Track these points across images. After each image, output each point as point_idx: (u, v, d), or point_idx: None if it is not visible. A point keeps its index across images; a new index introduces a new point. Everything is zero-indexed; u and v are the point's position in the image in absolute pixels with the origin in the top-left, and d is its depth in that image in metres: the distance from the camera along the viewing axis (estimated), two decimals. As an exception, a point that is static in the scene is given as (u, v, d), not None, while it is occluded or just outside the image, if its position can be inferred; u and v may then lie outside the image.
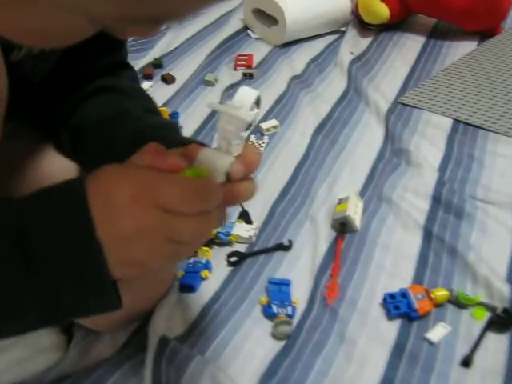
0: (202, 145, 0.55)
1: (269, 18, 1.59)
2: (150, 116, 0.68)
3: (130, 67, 0.77)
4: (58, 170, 0.71)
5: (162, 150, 0.50)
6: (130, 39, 1.55)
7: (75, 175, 0.70)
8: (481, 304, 0.81)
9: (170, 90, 1.37)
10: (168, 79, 1.40)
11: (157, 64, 1.46)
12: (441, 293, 0.81)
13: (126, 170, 0.46)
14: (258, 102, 0.51)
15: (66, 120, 0.69)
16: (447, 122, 1.22)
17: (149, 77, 1.41)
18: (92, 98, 0.69)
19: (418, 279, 0.85)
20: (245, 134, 0.51)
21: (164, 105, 1.31)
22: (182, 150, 0.52)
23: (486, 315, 0.80)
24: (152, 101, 0.75)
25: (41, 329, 0.49)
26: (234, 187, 0.51)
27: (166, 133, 0.64)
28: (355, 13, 1.65)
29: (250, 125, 0.51)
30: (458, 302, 0.81)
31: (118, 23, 0.36)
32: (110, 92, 0.70)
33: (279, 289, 0.84)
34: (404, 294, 0.81)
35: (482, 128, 1.20)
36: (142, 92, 0.76)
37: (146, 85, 1.37)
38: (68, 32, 0.37)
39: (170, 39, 1.58)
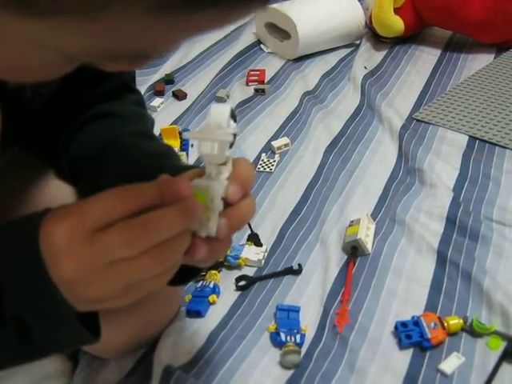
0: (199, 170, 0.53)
1: (281, 32, 1.58)
2: (144, 143, 0.67)
3: (134, 90, 0.75)
4: (59, 197, 0.70)
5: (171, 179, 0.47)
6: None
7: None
8: (496, 333, 0.78)
9: (182, 106, 1.36)
10: (179, 95, 1.39)
11: (168, 80, 1.45)
12: (454, 321, 0.78)
13: (67, 212, 0.44)
14: (233, 115, 0.49)
15: (65, 147, 0.68)
16: (463, 139, 1.20)
17: (160, 93, 1.40)
18: (89, 125, 0.68)
19: (431, 306, 0.83)
20: (229, 152, 0.48)
21: (175, 121, 1.30)
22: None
23: (501, 345, 0.77)
24: (150, 125, 0.74)
25: (28, 363, 0.50)
26: (235, 211, 0.49)
27: (160, 161, 0.63)
28: (369, 26, 1.63)
29: (233, 141, 0.49)
30: (473, 331, 0.78)
31: (94, 59, 0.34)
32: (107, 118, 0.69)
33: (288, 315, 0.82)
34: (416, 323, 0.79)
35: (499, 145, 1.17)
36: (142, 116, 0.74)
37: (156, 101, 1.36)
38: (45, 68, 0.36)
39: (181, 54, 1.57)
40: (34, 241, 0.43)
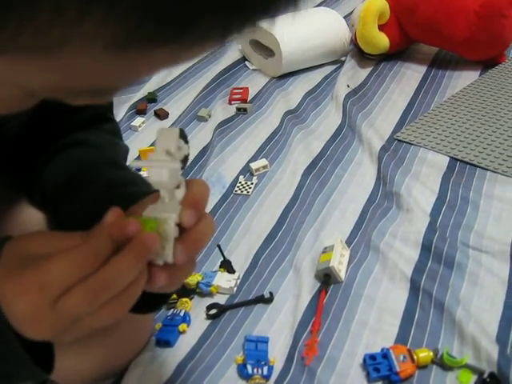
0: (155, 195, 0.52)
1: (266, 50, 1.57)
2: (110, 171, 0.66)
3: (110, 120, 0.75)
4: (30, 224, 0.70)
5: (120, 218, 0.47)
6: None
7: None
8: (467, 366, 0.77)
9: (163, 125, 1.35)
10: (161, 114, 1.38)
11: (150, 99, 1.44)
12: (424, 354, 0.77)
13: (26, 283, 0.44)
14: (183, 136, 0.48)
15: (37, 176, 0.68)
16: (443, 160, 1.19)
17: (142, 112, 1.39)
18: (61, 153, 0.68)
19: (402, 337, 0.82)
20: (180, 174, 0.47)
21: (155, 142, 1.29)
22: (129, 210, 0.51)
23: (472, 378, 0.76)
24: (123, 153, 0.74)
25: None
26: (191, 235, 0.49)
27: (121, 190, 0.62)
28: (355, 42, 1.62)
29: (185, 165, 0.48)
30: (443, 364, 0.77)
31: (54, 95, 0.34)
32: (79, 146, 0.69)
33: (256, 346, 0.81)
34: (385, 355, 0.78)
35: (480, 167, 1.16)
36: (114, 144, 0.74)
37: (138, 121, 1.35)
38: (4, 102, 0.36)
39: (165, 72, 1.56)
40: None
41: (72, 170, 0.66)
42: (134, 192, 0.60)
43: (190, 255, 0.48)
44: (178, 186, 0.48)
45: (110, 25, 0.25)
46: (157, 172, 0.46)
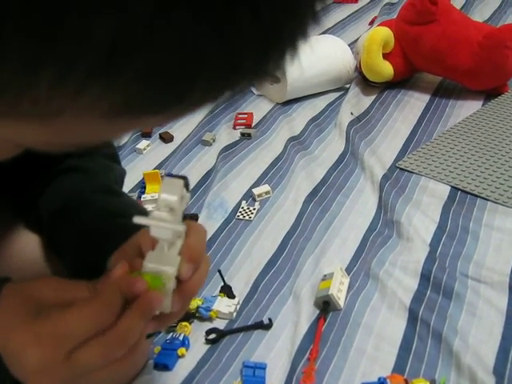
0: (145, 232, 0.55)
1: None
2: (102, 199, 0.67)
3: (108, 145, 0.76)
4: (28, 248, 0.71)
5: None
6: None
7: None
8: (463, 397, 0.77)
9: (168, 149, 1.37)
10: (166, 138, 1.40)
11: (156, 122, 1.46)
12: (421, 384, 0.78)
13: (40, 334, 0.45)
14: (186, 185, 0.49)
15: (33, 201, 0.69)
16: (444, 190, 1.20)
17: (147, 135, 1.41)
18: (57, 179, 0.69)
19: (399, 366, 0.82)
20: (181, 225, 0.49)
21: (160, 164, 1.31)
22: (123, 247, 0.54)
23: (468, 410, 0.76)
24: (119, 177, 0.75)
25: None
26: (187, 286, 0.51)
27: (112, 221, 0.64)
28: (359, 70, 1.64)
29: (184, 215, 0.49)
30: (440, 395, 0.77)
31: (46, 149, 0.35)
32: (75, 172, 0.70)
33: (254, 373, 0.81)
34: (382, 385, 0.78)
35: (480, 197, 1.17)
36: (109, 169, 0.75)
37: (143, 144, 1.37)
38: None
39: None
40: None
41: (66, 198, 0.67)
42: (126, 225, 0.61)
43: (183, 304, 0.51)
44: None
45: (106, 100, 0.26)
46: (159, 231, 0.48)
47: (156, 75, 0.25)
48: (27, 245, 0.71)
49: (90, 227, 0.63)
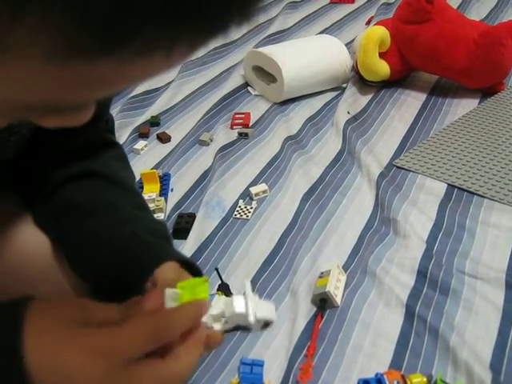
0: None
1: (268, 76, 1.60)
2: (139, 216, 0.67)
3: (114, 144, 0.75)
4: (33, 244, 0.70)
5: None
6: (129, 96, 1.56)
7: (49, 250, 0.70)
8: (460, 392, 0.77)
9: (165, 149, 1.37)
10: (163, 138, 1.40)
11: (154, 122, 1.46)
12: (418, 379, 0.78)
13: (98, 346, 0.45)
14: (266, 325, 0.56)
15: (45, 198, 0.68)
16: (441, 187, 1.20)
17: (144, 135, 1.42)
18: (77, 183, 0.68)
19: (396, 362, 0.82)
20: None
21: (157, 165, 1.31)
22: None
23: (465, 405, 0.76)
24: (139, 193, 0.74)
25: None
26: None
27: (160, 242, 0.64)
28: (356, 70, 1.65)
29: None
30: (436, 390, 0.78)
31: (13, 112, 0.35)
32: (93, 178, 0.69)
33: (251, 370, 0.82)
34: (379, 381, 0.78)
35: (477, 194, 1.17)
36: (130, 181, 0.74)
37: (140, 144, 1.37)
38: None
39: (169, 96, 1.59)
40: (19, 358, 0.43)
41: (94, 203, 0.66)
42: (162, 247, 0.63)
43: None
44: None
45: (47, 32, 0.25)
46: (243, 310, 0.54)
47: (93, 8, 0.24)
48: (33, 239, 0.71)
49: (133, 243, 0.63)
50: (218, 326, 0.55)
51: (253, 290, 0.56)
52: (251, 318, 0.53)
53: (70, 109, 0.35)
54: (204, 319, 0.52)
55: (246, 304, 0.54)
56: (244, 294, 0.55)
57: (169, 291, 0.52)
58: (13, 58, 0.27)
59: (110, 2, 0.24)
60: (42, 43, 0.26)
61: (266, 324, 0.56)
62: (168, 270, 0.58)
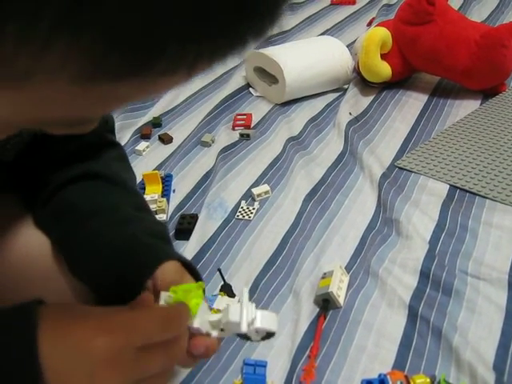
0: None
1: (270, 77, 1.60)
2: (140, 217, 0.67)
3: (115, 144, 0.75)
4: (34, 246, 0.70)
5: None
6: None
7: (49, 251, 0.70)
8: (463, 393, 0.77)
9: (167, 150, 1.37)
10: (165, 139, 1.40)
11: (156, 123, 1.46)
12: (421, 380, 0.78)
13: (111, 325, 0.47)
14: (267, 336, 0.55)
15: (46, 200, 0.68)
16: (443, 188, 1.20)
17: (146, 136, 1.42)
18: (78, 184, 0.68)
19: (399, 363, 0.82)
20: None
21: (159, 165, 1.31)
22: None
23: (468, 405, 0.76)
24: (140, 194, 0.74)
25: None
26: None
27: (161, 244, 0.64)
28: (357, 71, 1.65)
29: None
30: (440, 391, 0.78)
31: (29, 126, 0.35)
32: (95, 179, 0.69)
33: (254, 370, 0.81)
34: (382, 381, 0.78)
35: (479, 195, 1.17)
36: (130, 182, 0.74)
37: (142, 145, 1.37)
38: None
39: (171, 97, 1.59)
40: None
41: (96, 204, 0.66)
42: (163, 249, 0.63)
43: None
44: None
45: (75, 57, 0.26)
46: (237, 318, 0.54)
47: (121, 34, 0.25)
48: (34, 241, 0.71)
49: (134, 244, 0.63)
50: (215, 333, 0.55)
51: (254, 295, 0.57)
52: (244, 328, 0.53)
53: (83, 123, 0.36)
54: (201, 325, 0.53)
55: (240, 312, 0.54)
56: (238, 302, 0.55)
57: (164, 294, 0.54)
58: (39, 81, 0.27)
59: (136, 26, 0.25)
60: (69, 68, 0.26)
61: (269, 335, 0.56)
62: (168, 270, 0.59)
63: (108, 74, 0.27)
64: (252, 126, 1.46)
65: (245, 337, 0.59)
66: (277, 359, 0.84)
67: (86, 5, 0.24)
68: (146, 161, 1.33)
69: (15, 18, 0.24)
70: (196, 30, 0.26)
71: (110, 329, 0.46)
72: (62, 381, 0.44)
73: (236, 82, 1.69)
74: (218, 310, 0.90)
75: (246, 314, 0.53)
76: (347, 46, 1.68)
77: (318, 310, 0.91)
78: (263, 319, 0.54)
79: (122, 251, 0.61)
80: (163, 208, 1.12)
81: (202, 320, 0.53)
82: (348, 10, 2.35)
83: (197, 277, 0.61)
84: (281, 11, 0.28)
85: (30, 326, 0.44)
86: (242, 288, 0.95)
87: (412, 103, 1.58)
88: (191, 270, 0.61)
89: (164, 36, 0.26)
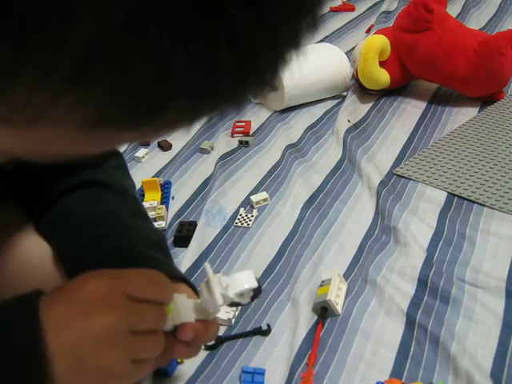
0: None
1: (269, 84, 1.60)
2: (139, 226, 0.68)
3: (115, 152, 0.76)
4: (35, 253, 0.70)
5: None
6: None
7: (50, 258, 0.70)
8: (461, 401, 0.77)
9: (166, 157, 1.38)
10: (164, 146, 1.40)
11: (155, 130, 1.47)
12: (418, 388, 0.78)
13: (103, 273, 0.50)
14: (254, 294, 0.54)
15: (46, 207, 0.68)
16: (441, 196, 1.20)
17: (145, 143, 1.42)
18: (79, 192, 0.68)
19: (397, 370, 0.83)
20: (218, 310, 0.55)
21: (159, 172, 1.31)
22: None
23: (466, 414, 0.76)
24: (139, 202, 0.75)
25: None
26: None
27: (157, 254, 0.65)
28: (356, 78, 1.66)
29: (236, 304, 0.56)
30: (437, 399, 0.78)
31: (31, 158, 0.36)
32: (95, 187, 0.69)
33: (253, 378, 0.82)
34: (380, 389, 0.78)
35: (477, 202, 1.18)
36: (130, 190, 0.75)
37: (141, 152, 1.38)
38: None
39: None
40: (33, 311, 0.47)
41: (95, 212, 0.67)
42: (167, 265, 0.65)
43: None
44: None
45: (81, 110, 0.27)
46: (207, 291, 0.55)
47: (127, 90, 0.26)
48: (34, 248, 0.71)
49: (130, 253, 0.63)
50: (193, 317, 0.55)
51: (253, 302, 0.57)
52: (219, 301, 0.52)
53: (84, 157, 0.37)
54: (183, 318, 0.54)
55: (208, 289, 0.53)
56: (206, 280, 0.54)
57: None
58: (45, 125, 0.28)
59: (144, 86, 0.26)
60: (75, 118, 0.27)
61: (256, 292, 0.55)
62: None
63: (112, 125, 0.28)
64: (251, 133, 1.47)
65: (236, 304, 0.59)
66: (275, 367, 0.84)
67: (99, 61, 0.24)
68: (145, 168, 1.34)
69: (31, 66, 0.24)
70: (200, 92, 0.27)
71: (101, 274, 0.50)
72: (59, 324, 0.47)
73: (235, 88, 1.69)
74: (217, 318, 0.91)
75: (215, 287, 0.53)
76: (346, 53, 1.69)
77: (316, 317, 0.91)
78: (236, 283, 0.54)
79: (122, 262, 0.62)
80: (162, 215, 1.13)
81: (182, 313, 0.54)
82: (347, 16, 2.37)
83: (193, 290, 0.62)
84: (280, 72, 0.29)
85: (32, 297, 0.48)
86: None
87: (410, 110, 1.59)
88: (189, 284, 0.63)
89: (169, 96, 0.27)
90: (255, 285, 0.54)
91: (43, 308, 0.47)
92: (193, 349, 0.58)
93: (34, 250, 0.70)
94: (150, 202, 1.16)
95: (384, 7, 2.37)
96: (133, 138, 0.32)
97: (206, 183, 1.26)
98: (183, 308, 0.54)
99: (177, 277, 0.62)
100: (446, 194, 1.21)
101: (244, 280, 0.54)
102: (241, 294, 0.53)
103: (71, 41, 0.23)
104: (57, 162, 0.37)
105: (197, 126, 1.49)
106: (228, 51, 0.25)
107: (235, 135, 1.46)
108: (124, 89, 0.26)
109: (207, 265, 0.56)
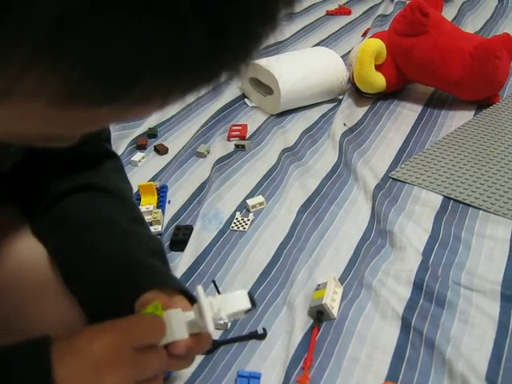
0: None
1: (265, 87, 1.61)
2: (137, 231, 0.68)
3: (113, 155, 0.76)
4: (30, 255, 0.70)
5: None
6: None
7: (45, 259, 0.70)
8: (456, 405, 0.78)
9: (162, 161, 1.38)
10: (161, 150, 1.41)
11: (151, 134, 1.47)
12: (414, 392, 0.78)
13: (106, 327, 0.52)
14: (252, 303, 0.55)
15: (44, 211, 0.68)
16: (437, 199, 1.21)
17: (142, 147, 1.42)
18: (76, 196, 0.68)
19: (392, 374, 0.83)
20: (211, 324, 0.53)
21: (155, 176, 1.31)
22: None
23: (461, 417, 0.77)
24: (136, 207, 0.75)
25: None
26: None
27: (155, 261, 0.65)
28: (352, 82, 1.66)
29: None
30: (433, 402, 0.78)
31: (10, 140, 0.36)
32: (93, 192, 0.69)
33: (248, 382, 0.82)
34: (375, 393, 0.78)
35: (472, 206, 1.18)
36: (127, 193, 0.75)
37: (138, 156, 1.38)
38: None
39: (167, 108, 1.59)
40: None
41: (93, 216, 0.67)
42: (164, 274, 0.65)
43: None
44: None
45: (53, 81, 0.26)
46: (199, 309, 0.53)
47: (98, 60, 0.25)
48: (31, 250, 0.71)
49: (128, 259, 0.64)
50: (186, 335, 0.55)
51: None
52: (210, 328, 0.51)
53: (61, 140, 0.36)
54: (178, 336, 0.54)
55: (200, 313, 0.53)
56: (198, 303, 0.53)
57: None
58: (16, 100, 0.28)
59: (114, 55, 0.25)
60: (46, 91, 0.27)
61: (249, 309, 0.55)
62: (156, 296, 0.60)
63: (83, 98, 0.28)
64: (247, 136, 1.47)
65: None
66: (271, 371, 0.84)
67: (67, 31, 0.24)
68: (141, 171, 1.34)
69: None
70: (172, 63, 0.27)
71: (109, 330, 0.51)
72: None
73: (231, 92, 1.70)
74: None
75: (206, 313, 0.52)
76: (342, 57, 1.69)
77: (311, 321, 0.91)
78: (229, 305, 0.53)
79: (116, 272, 0.62)
80: (158, 219, 1.13)
81: (176, 330, 0.54)
82: (343, 20, 2.37)
83: (191, 299, 0.62)
84: (256, 48, 0.29)
85: (44, 348, 0.49)
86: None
87: (406, 114, 1.59)
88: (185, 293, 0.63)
89: (140, 67, 0.26)
90: (248, 306, 0.54)
91: (56, 362, 0.48)
92: (186, 361, 0.58)
93: (29, 252, 0.70)
94: (147, 205, 1.16)
95: (380, 11, 2.38)
96: (106, 117, 0.31)
97: (202, 187, 1.26)
98: (177, 324, 0.54)
99: (173, 287, 0.62)
100: (441, 197, 1.22)
101: (237, 301, 0.54)
102: (234, 314, 0.54)
103: (38, 11, 0.23)
104: (34, 145, 0.37)
105: (193, 130, 1.49)
106: (195, 23, 0.25)
107: (231, 139, 1.46)
108: (93, 59, 0.25)
109: (200, 288, 0.55)
